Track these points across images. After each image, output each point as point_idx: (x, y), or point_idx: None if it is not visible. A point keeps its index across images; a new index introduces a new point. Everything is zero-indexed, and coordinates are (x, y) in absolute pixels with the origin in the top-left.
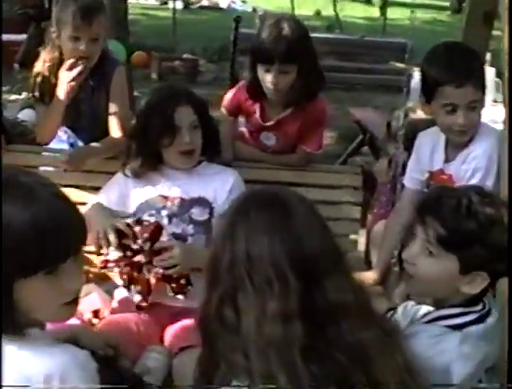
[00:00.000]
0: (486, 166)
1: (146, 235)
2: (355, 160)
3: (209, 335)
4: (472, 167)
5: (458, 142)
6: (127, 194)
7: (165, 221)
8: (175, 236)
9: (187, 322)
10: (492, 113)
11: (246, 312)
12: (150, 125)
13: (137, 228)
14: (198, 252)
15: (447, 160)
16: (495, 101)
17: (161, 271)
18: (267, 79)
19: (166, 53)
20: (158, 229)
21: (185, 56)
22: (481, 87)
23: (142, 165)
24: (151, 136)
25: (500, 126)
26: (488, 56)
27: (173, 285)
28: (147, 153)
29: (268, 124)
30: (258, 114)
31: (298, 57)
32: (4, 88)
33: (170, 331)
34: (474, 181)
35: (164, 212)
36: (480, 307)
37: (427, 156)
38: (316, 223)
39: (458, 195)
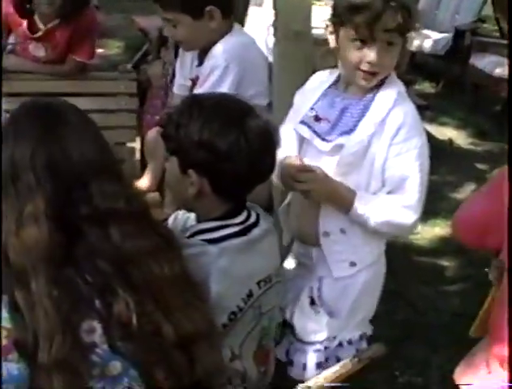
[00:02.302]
0: (225, 65)
1: None
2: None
3: None
4: (211, 64)
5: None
6: None
7: None
8: None
9: None
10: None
11: (7, 216)
12: None
13: None
14: None
15: (200, 64)
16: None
17: None
18: None
19: None
20: None
21: None
22: (173, 8)
23: None
24: None
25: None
26: None
27: None
28: None
29: (36, 35)
30: (25, 26)
31: None
32: None
33: None
34: (211, 79)
35: None
36: (240, 219)
37: (188, 62)
38: (87, 132)
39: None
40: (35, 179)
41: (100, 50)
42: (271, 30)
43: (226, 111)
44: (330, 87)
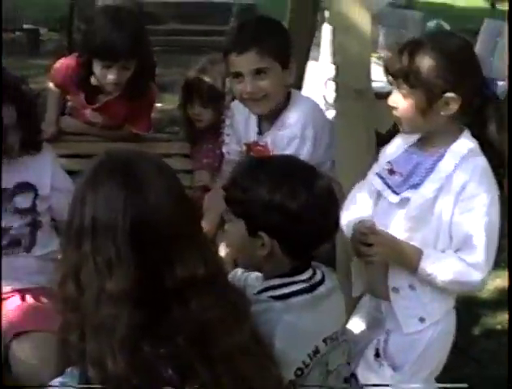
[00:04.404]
0: (301, 134)
1: None
2: None
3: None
4: (288, 135)
5: (256, 113)
6: None
7: None
8: None
9: (19, 304)
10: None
11: (87, 290)
12: None
13: None
14: None
15: (261, 132)
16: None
17: None
18: (108, 76)
19: (6, 23)
20: None
21: (26, 26)
22: (271, 54)
23: None
24: None
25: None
26: (327, 14)
27: None
28: None
29: (94, 106)
30: (82, 97)
31: (140, 51)
32: None
33: (2, 317)
34: (290, 149)
35: None
36: (306, 276)
37: (241, 126)
38: (169, 197)
39: (243, 165)
40: (116, 251)
41: (158, 105)
42: (329, 85)
43: (292, 172)
44: (413, 144)
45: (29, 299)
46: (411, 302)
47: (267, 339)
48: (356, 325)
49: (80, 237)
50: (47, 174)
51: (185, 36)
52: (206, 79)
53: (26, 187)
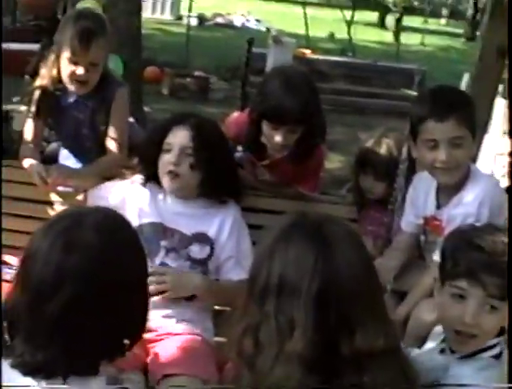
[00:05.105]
0: (477, 211)
1: None
2: None
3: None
4: (463, 212)
5: (444, 183)
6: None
7: (162, 253)
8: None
9: (173, 347)
10: (503, 145)
11: (265, 348)
12: (147, 141)
13: None
14: (191, 280)
15: (439, 206)
16: (505, 133)
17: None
18: (275, 137)
19: (178, 69)
20: None
21: (197, 73)
22: (466, 123)
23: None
24: (145, 151)
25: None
26: (501, 87)
27: None
28: (144, 168)
29: (262, 162)
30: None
31: (310, 116)
32: (14, 99)
33: (154, 357)
34: None
35: (163, 243)
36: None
37: (421, 200)
38: (358, 264)
39: (488, 242)
40: (299, 312)
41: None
42: (498, 159)
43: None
44: None
45: (181, 344)
46: None
47: None
48: None
49: (264, 294)
50: (225, 232)
51: (351, 96)
52: (381, 152)
53: (204, 240)
